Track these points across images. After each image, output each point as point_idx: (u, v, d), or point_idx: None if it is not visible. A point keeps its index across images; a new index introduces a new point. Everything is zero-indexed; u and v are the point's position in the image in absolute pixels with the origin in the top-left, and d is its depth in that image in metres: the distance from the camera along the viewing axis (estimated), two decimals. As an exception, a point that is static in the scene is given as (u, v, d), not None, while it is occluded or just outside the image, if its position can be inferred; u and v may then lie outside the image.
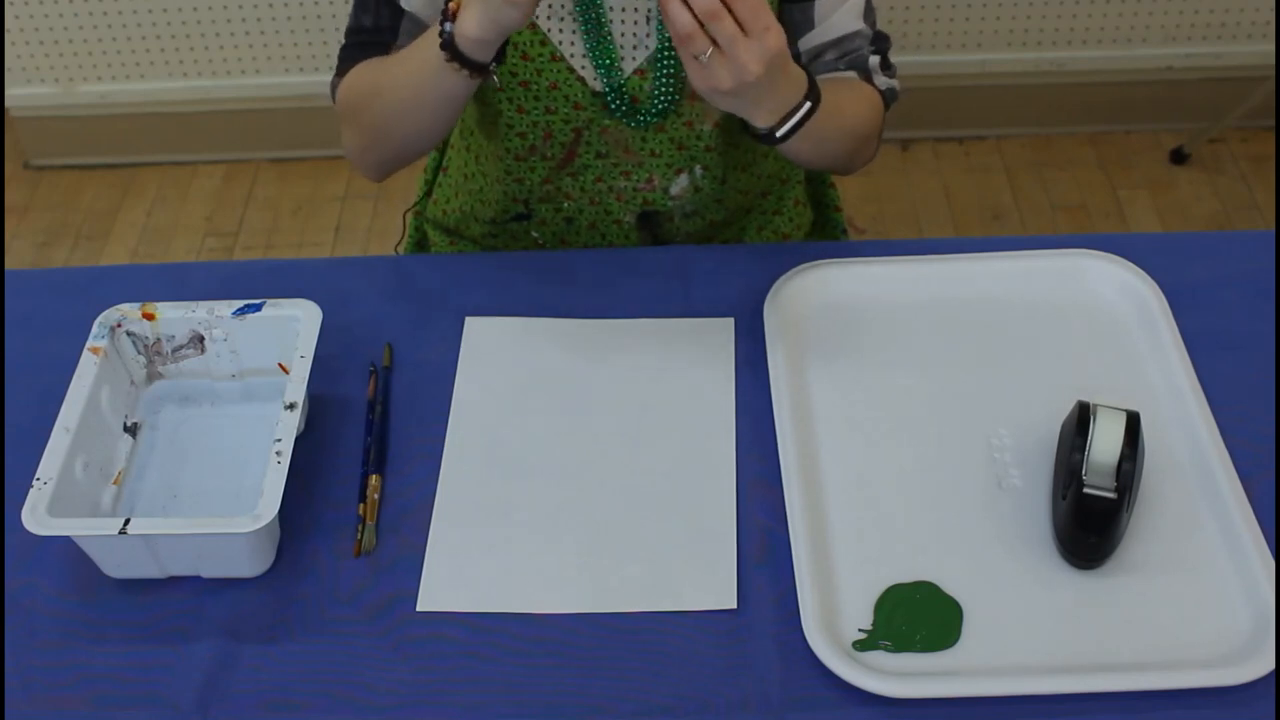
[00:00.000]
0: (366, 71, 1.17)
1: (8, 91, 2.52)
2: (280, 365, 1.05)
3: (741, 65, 0.91)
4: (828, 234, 1.44)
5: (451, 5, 1.00)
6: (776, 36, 0.91)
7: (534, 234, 1.29)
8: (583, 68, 1.16)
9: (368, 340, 1.12)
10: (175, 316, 1.04)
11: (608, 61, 1.15)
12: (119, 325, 1.04)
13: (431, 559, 0.96)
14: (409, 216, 1.44)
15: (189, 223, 2.51)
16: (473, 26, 0.99)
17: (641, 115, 1.17)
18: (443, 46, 1.01)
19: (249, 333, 1.04)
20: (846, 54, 1.18)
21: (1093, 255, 1.15)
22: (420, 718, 0.87)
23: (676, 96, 1.17)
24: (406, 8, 1.17)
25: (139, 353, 1.06)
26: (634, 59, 1.15)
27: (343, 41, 1.22)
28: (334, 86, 1.22)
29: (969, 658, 0.89)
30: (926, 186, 2.52)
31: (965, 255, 1.16)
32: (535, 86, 1.16)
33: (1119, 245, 1.16)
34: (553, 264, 1.20)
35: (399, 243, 1.44)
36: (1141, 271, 1.13)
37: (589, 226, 1.27)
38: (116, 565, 0.94)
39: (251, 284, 1.16)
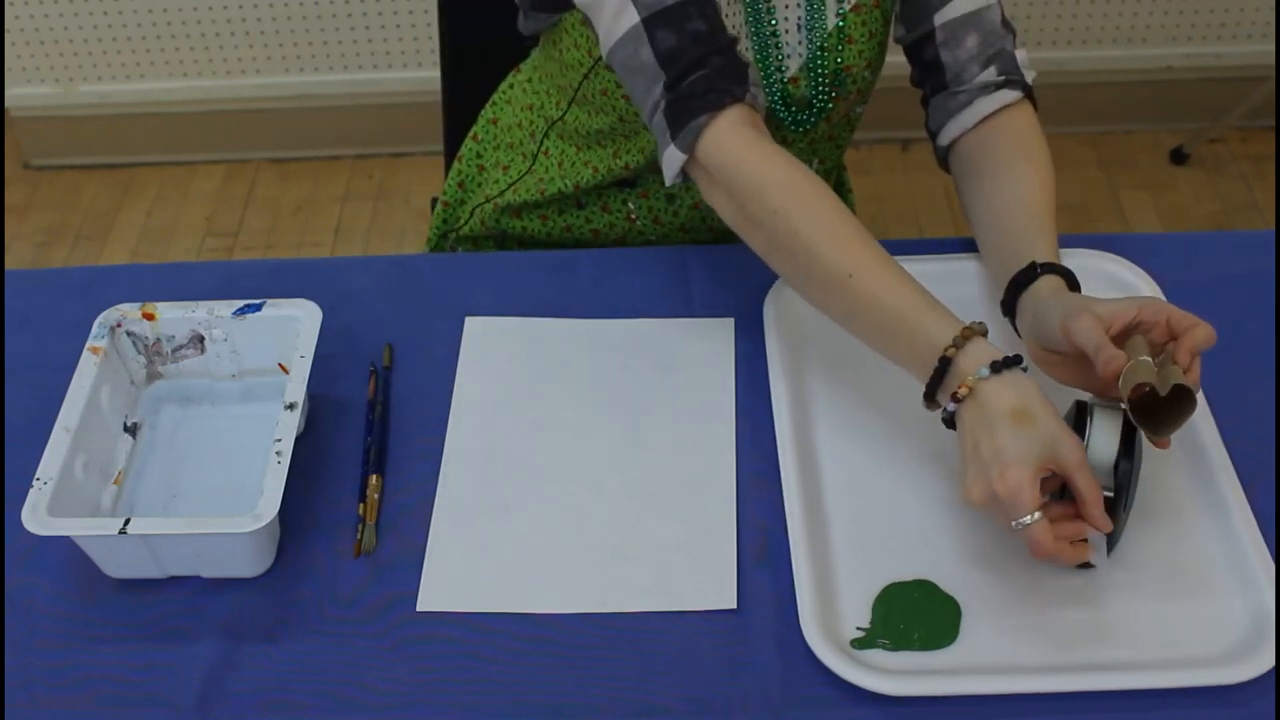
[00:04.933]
0: (792, 195, 0.98)
1: (8, 91, 2.52)
2: (280, 365, 1.05)
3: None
4: None
5: (960, 388, 0.90)
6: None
7: (630, 205, 1.26)
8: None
9: (368, 340, 1.12)
10: (175, 316, 1.04)
11: (774, 65, 1.15)
12: (119, 325, 1.04)
13: (431, 559, 0.96)
14: (439, 207, 1.39)
15: (189, 223, 2.51)
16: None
17: (798, 120, 1.18)
18: (936, 408, 0.94)
19: (249, 333, 1.04)
20: (991, 48, 1.13)
21: (1093, 255, 1.15)
22: (420, 718, 0.87)
23: (830, 102, 1.17)
24: None
25: (139, 353, 1.06)
26: (794, 63, 1.15)
27: (663, 83, 1.02)
28: (695, 131, 1.01)
29: (967, 656, 0.89)
30: (926, 186, 2.52)
31: (965, 255, 1.16)
32: None
33: (1119, 245, 1.16)
34: (553, 264, 1.20)
35: (433, 212, 1.39)
36: (1141, 271, 1.13)
37: (691, 206, 1.25)
38: (116, 565, 0.94)
39: (251, 284, 1.16)
